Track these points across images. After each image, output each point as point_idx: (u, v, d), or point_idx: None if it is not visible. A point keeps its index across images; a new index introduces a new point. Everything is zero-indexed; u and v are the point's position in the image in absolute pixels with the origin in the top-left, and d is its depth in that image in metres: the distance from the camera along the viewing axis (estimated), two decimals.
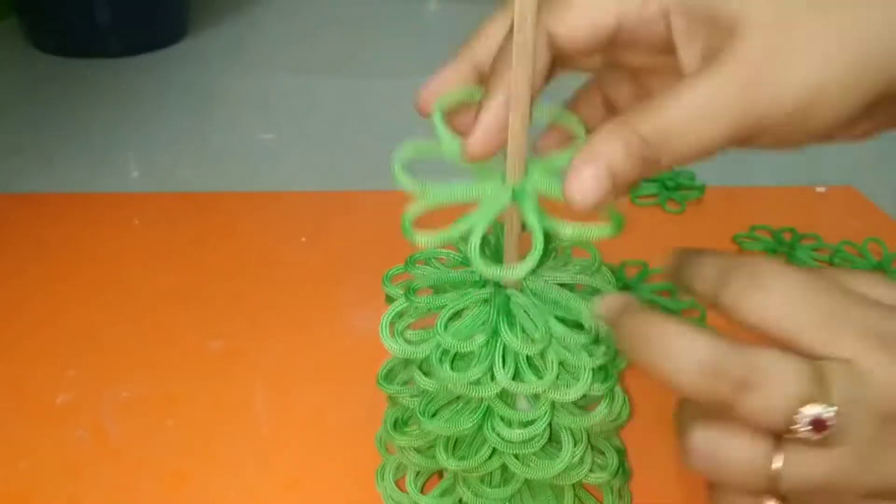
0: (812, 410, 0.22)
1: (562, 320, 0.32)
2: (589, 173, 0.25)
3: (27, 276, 0.59)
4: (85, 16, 1.04)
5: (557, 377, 0.31)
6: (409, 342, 0.33)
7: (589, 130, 0.30)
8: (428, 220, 0.29)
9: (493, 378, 0.31)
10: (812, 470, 0.23)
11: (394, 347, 0.32)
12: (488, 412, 0.33)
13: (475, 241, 0.28)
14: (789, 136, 0.27)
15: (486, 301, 0.32)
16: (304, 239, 0.64)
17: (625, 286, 0.57)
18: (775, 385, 0.22)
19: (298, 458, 0.44)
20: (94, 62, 1.04)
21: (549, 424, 0.32)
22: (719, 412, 0.24)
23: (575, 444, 0.32)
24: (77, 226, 0.65)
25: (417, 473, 0.38)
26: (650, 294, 0.56)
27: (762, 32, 0.25)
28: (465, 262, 0.35)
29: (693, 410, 0.25)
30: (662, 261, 0.29)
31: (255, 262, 0.61)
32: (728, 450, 0.24)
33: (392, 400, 0.37)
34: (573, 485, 0.35)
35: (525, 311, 0.31)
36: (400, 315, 0.34)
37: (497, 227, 0.33)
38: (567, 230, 0.28)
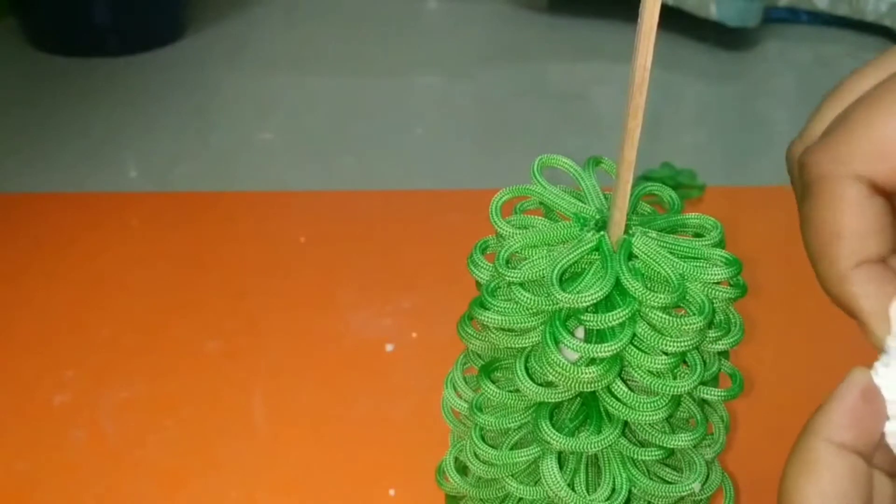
0: None
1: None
2: None
3: (25, 276, 0.59)
4: (83, 15, 1.04)
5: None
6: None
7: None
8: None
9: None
10: None
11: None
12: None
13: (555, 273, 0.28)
14: None
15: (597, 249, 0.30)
16: (302, 239, 0.64)
17: None
18: None
19: (296, 459, 0.44)
20: (92, 61, 1.03)
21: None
22: None
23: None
24: (74, 226, 0.65)
25: None
26: None
27: None
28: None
29: None
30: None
31: (253, 262, 0.61)
32: None
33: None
34: None
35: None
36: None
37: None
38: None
